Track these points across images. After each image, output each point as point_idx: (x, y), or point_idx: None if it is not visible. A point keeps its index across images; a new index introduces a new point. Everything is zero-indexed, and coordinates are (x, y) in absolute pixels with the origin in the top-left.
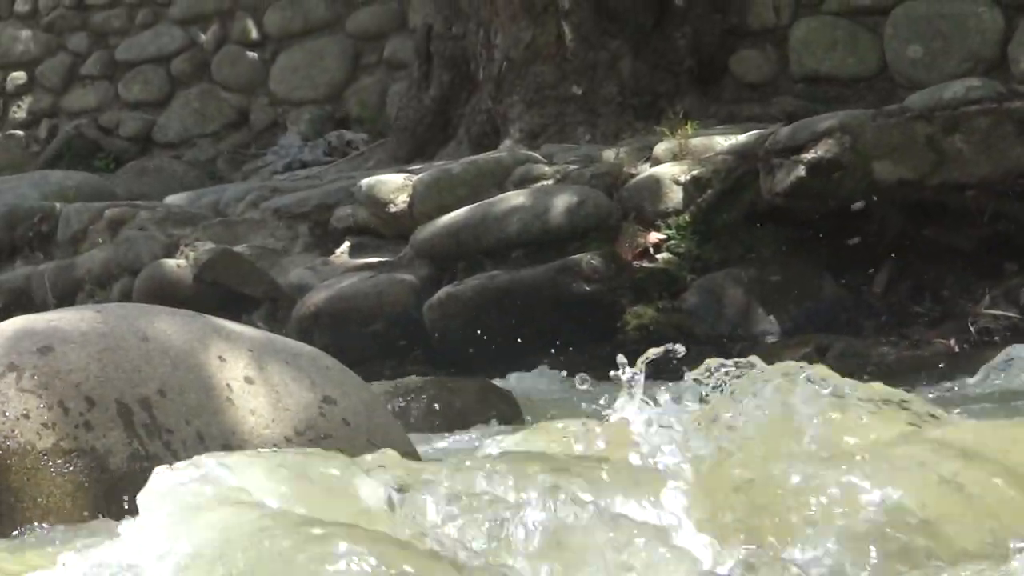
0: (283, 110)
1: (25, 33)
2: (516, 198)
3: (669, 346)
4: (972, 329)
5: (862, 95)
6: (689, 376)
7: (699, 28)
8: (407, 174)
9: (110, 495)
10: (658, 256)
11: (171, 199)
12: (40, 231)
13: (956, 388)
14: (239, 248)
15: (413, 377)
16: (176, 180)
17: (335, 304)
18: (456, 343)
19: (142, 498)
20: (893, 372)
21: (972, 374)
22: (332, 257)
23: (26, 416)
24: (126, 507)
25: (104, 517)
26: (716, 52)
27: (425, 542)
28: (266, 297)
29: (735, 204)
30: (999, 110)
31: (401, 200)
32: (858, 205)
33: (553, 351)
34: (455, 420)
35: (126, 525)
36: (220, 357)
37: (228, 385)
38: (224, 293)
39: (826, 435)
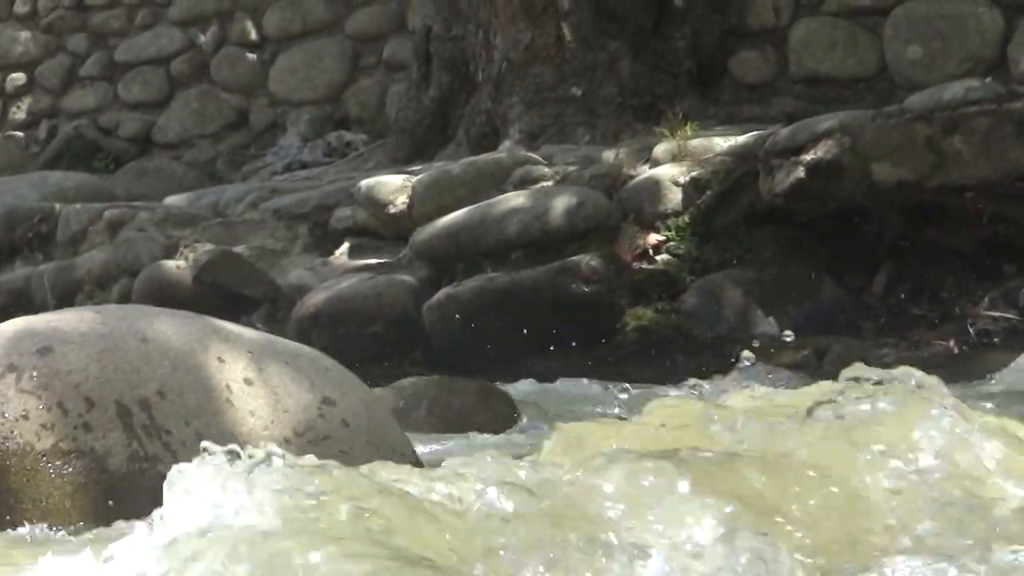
0: (282, 111)
1: (24, 34)
2: (515, 199)
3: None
4: (971, 331)
5: (861, 96)
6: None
7: (698, 29)
8: (406, 175)
9: (109, 496)
10: (657, 257)
11: (170, 200)
12: (39, 232)
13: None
14: (238, 249)
15: (412, 378)
16: (175, 181)
17: (334, 305)
18: (455, 344)
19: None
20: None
21: (978, 375)
22: (331, 258)
23: (25, 417)
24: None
25: (102, 518)
26: (715, 53)
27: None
28: (265, 298)
29: (734, 205)
30: (998, 111)
31: (400, 201)
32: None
33: (552, 351)
34: (454, 421)
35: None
36: (219, 358)
37: (227, 386)
38: (223, 294)
39: None
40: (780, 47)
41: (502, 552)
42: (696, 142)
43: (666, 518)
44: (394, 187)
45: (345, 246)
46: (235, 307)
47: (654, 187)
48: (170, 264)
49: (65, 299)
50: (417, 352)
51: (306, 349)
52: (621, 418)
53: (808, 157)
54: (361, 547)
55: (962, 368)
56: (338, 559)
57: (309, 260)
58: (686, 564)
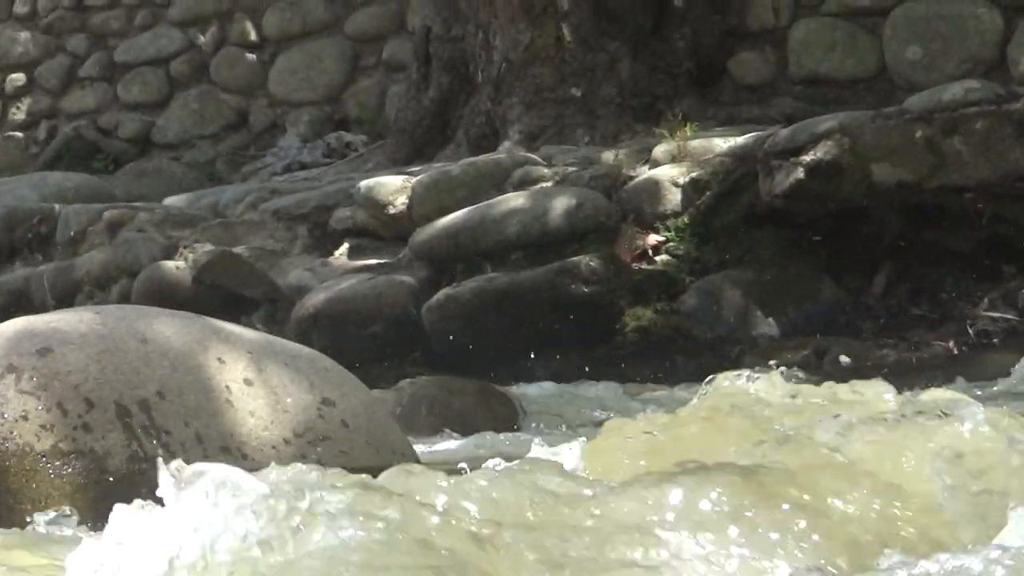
0: (282, 111)
1: (24, 35)
2: (515, 200)
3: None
4: (971, 331)
5: (861, 97)
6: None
7: (698, 30)
8: (406, 176)
9: (109, 497)
10: (657, 258)
11: (170, 201)
12: (39, 232)
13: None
14: (238, 250)
15: (412, 379)
16: (175, 181)
17: (334, 306)
18: (455, 345)
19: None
20: (892, 374)
21: (978, 376)
22: (331, 259)
23: (25, 418)
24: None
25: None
26: (715, 54)
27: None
28: (265, 299)
29: (734, 206)
30: (998, 112)
31: (400, 202)
32: None
33: (552, 352)
34: (454, 422)
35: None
36: (219, 359)
37: (227, 387)
38: (223, 295)
39: None
40: (780, 48)
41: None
42: (696, 143)
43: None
44: (394, 188)
45: (345, 247)
46: (234, 308)
47: (654, 188)
48: (170, 265)
49: (65, 300)
50: (417, 353)
51: (305, 350)
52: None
53: (808, 158)
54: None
55: (962, 369)
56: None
57: (309, 261)
58: None
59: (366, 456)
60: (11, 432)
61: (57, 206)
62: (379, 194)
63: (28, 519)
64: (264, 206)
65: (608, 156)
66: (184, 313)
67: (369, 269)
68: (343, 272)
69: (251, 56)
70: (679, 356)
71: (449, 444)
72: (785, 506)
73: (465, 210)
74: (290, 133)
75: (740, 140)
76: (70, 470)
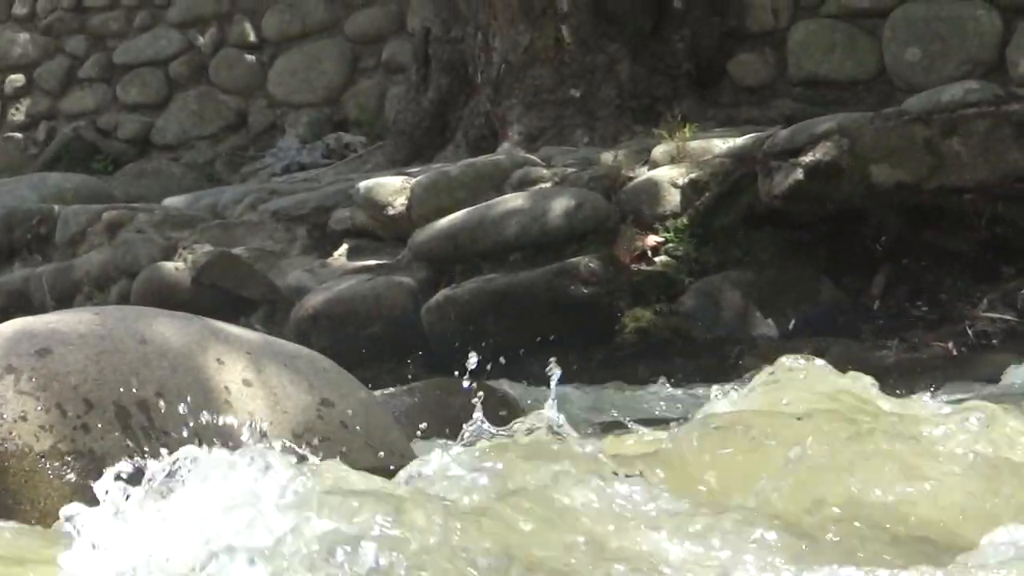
0: (281, 112)
1: (23, 36)
2: (514, 201)
3: None
4: (970, 332)
5: (860, 98)
6: None
7: (697, 31)
8: (405, 177)
9: None
10: (656, 259)
11: (169, 201)
12: (38, 233)
13: None
14: (237, 250)
15: (411, 380)
16: (174, 182)
17: (333, 306)
18: (454, 346)
19: None
20: (891, 375)
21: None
22: (330, 259)
23: (24, 418)
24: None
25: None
26: (714, 55)
27: None
28: (264, 299)
29: (733, 207)
30: (997, 113)
31: (399, 203)
32: None
33: (551, 353)
34: (454, 423)
35: None
36: (218, 359)
37: (226, 388)
38: (222, 295)
39: None
40: (779, 49)
41: None
42: (695, 144)
43: None
44: (393, 189)
45: (344, 247)
46: (234, 308)
47: (653, 189)
48: (169, 266)
49: (64, 300)
50: (416, 353)
51: (305, 350)
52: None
53: (807, 159)
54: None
55: (961, 370)
56: None
57: (308, 262)
58: None
59: (365, 457)
60: (10, 433)
61: (56, 207)
62: (378, 195)
63: (28, 520)
64: (263, 207)
65: (607, 157)
66: (183, 314)
67: (368, 270)
68: (342, 273)
69: (250, 57)
70: (678, 357)
71: (448, 445)
72: None
73: (464, 211)
74: (289, 134)
75: (739, 141)
76: (69, 471)
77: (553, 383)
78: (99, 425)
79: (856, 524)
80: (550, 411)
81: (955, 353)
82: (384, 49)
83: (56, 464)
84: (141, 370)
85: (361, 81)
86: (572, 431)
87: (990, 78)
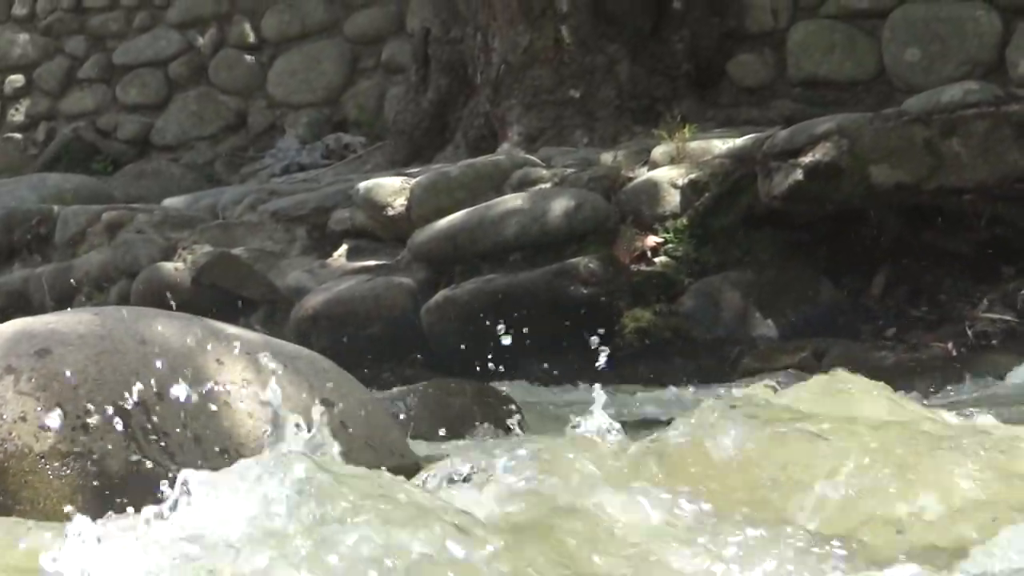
0: (281, 113)
1: (23, 36)
2: (514, 201)
3: None
4: (969, 333)
5: (860, 98)
6: None
7: (697, 32)
8: (405, 177)
9: (107, 498)
10: (655, 259)
11: (169, 202)
12: (38, 233)
13: None
14: (237, 251)
15: (410, 380)
16: (174, 183)
17: (333, 307)
18: (453, 346)
19: None
20: (890, 376)
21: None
22: (330, 260)
23: (23, 419)
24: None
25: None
26: (714, 56)
27: None
28: (264, 300)
29: (732, 207)
30: (997, 114)
31: (399, 203)
32: None
33: (550, 353)
34: (453, 423)
35: None
36: (218, 360)
37: (226, 388)
38: (222, 296)
39: None
40: (778, 50)
41: None
42: (694, 144)
43: None
44: (392, 189)
45: (343, 248)
46: (233, 309)
47: (652, 189)
48: (168, 266)
49: (63, 301)
50: (415, 354)
51: (304, 351)
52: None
53: (806, 159)
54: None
55: (960, 370)
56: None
57: (307, 262)
58: None
59: (365, 457)
60: (10, 433)
61: (56, 207)
62: (378, 195)
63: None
64: (263, 207)
65: (607, 157)
66: (183, 314)
67: (368, 270)
68: (342, 273)
69: (250, 58)
70: (678, 358)
71: (447, 446)
72: None
73: (464, 211)
74: (289, 135)
75: (739, 142)
76: (69, 471)
77: (598, 392)
78: (99, 426)
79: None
80: (598, 414)
81: (955, 353)
82: (383, 50)
83: (56, 464)
84: (141, 371)
85: (360, 82)
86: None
87: (989, 79)
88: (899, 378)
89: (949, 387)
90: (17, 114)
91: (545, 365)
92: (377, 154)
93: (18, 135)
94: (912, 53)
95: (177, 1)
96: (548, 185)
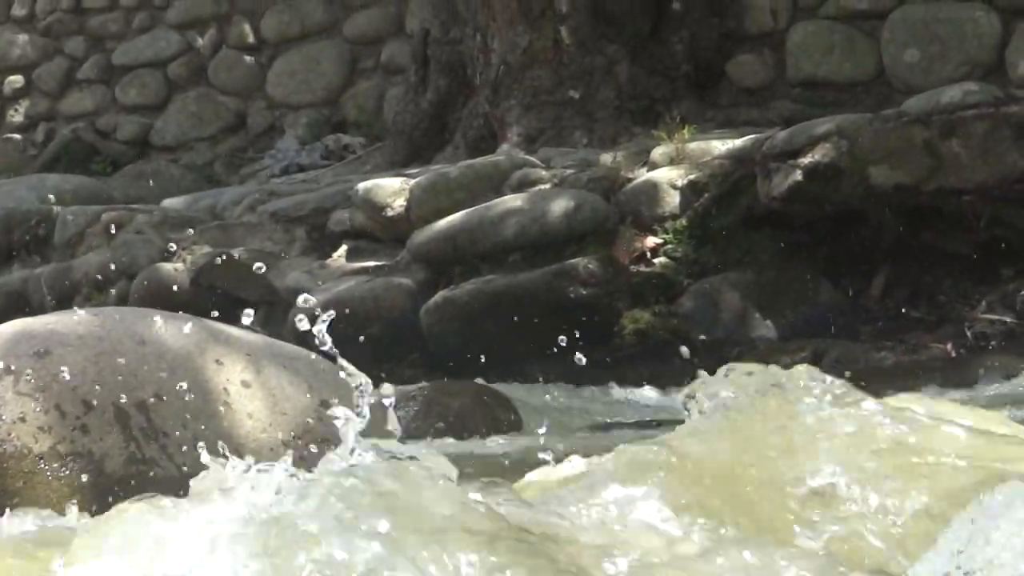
0: (280, 114)
1: (22, 37)
2: (513, 202)
3: None
4: (969, 334)
5: (859, 99)
6: None
7: (696, 33)
8: (404, 178)
9: (107, 499)
10: (655, 260)
11: (168, 203)
12: (37, 234)
13: None
14: (236, 252)
15: (409, 381)
16: (173, 184)
17: (332, 308)
18: (453, 347)
19: None
20: (890, 377)
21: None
22: (329, 261)
23: (23, 419)
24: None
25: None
26: (713, 57)
27: None
28: (263, 301)
29: (732, 208)
30: (996, 115)
31: (398, 204)
32: None
33: (549, 354)
34: (453, 424)
35: None
36: (217, 361)
37: (225, 389)
38: (221, 297)
39: None
40: (778, 51)
41: None
42: (694, 145)
43: None
44: (392, 190)
45: (343, 249)
46: (232, 310)
47: (652, 190)
48: (168, 267)
49: (63, 301)
50: (415, 355)
51: (304, 352)
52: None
53: (805, 160)
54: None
55: (959, 371)
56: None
57: (307, 263)
58: None
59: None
60: (9, 434)
61: (55, 208)
62: (377, 196)
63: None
64: (262, 208)
65: (606, 158)
66: (182, 315)
67: (367, 271)
68: (341, 274)
69: (249, 58)
70: (676, 358)
71: (447, 447)
72: None
73: (463, 212)
74: (288, 135)
75: (738, 142)
76: (68, 472)
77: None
78: (98, 426)
79: None
80: None
81: (954, 355)
82: (383, 50)
83: (55, 465)
84: (140, 371)
85: (360, 82)
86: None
87: (989, 80)
88: (898, 379)
89: (947, 387)
90: (16, 115)
91: (544, 366)
92: (376, 155)
93: (17, 136)
94: (911, 54)
95: (176, 2)
96: (547, 186)
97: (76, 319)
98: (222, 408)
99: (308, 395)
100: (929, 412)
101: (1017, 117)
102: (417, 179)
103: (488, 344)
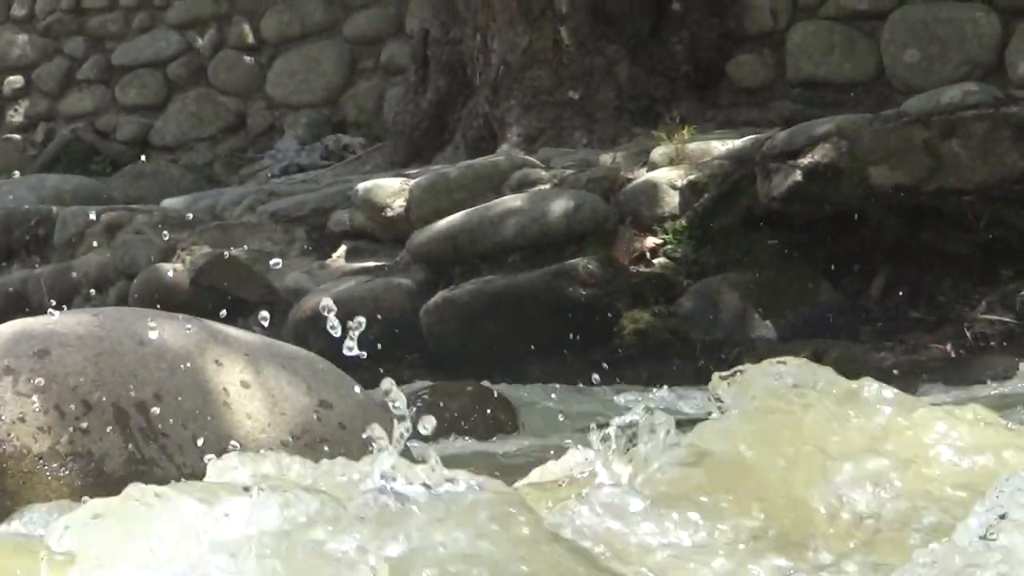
0: (280, 114)
1: (22, 37)
2: (513, 202)
3: None
4: (968, 334)
5: (859, 100)
6: None
7: (696, 33)
8: (404, 178)
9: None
10: (655, 260)
11: (168, 203)
12: (37, 235)
13: None
14: (236, 252)
15: (409, 382)
16: (173, 184)
17: (331, 309)
18: (452, 347)
19: None
20: (889, 377)
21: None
22: (329, 261)
23: (22, 419)
24: None
25: None
26: (713, 57)
27: None
28: (262, 301)
29: (732, 209)
30: (996, 115)
31: (398, 204)
32: None
33: (549, 354)
34: (452, 425)
35: None
36: (217, 361)
37: (224, 389)
38: (220, 297)
39: None
40: (778, 51)
41: None
42: (693, 145)
43: None
44: (391, 190)
45: (342, 249)
46: (232, 310)
47: (651, 190)
48: (167, 267)
49: (62, 302)
50: (414, 355)
51: (303, 352)
52: None
53: (805, 161)
54: None
55: (959, 372)
56: None
57: (306, 263)
58: None
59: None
60: (8, 434)
61: (55, 208)
62: (377, 196)
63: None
64: (262, 208)
65: (606, 158)
66: (182, 315)
67: (367, 271)
68: (341, 274)
69: (249, 59)
70: (676, 359)
71: (447, 447)
72: None
73: (463, 212)
74: (288, 135)
75: (738, 143)
76: (68, 472)
77: None
78: (98, 426)
79: None
80: None
81: (953, 355)
82: (383, 51)
83: (55, 465)
84: (139, 371)
85: (360, 83)
86: None
87: (989, 80)
88: (898, 379)
89: (947, 388)
90: (16, 115)
91: (544, 366)
92: (376, 155)
93: (17, 136)
94: (911, 54)
95: (176, 2)
96: (547, 186)
97: (76, 319)
98: (221, 408)
99: (307, 395)
100: (983, 417)
101: (1017, 118)
102: (417, 179)
103: (488, 344)
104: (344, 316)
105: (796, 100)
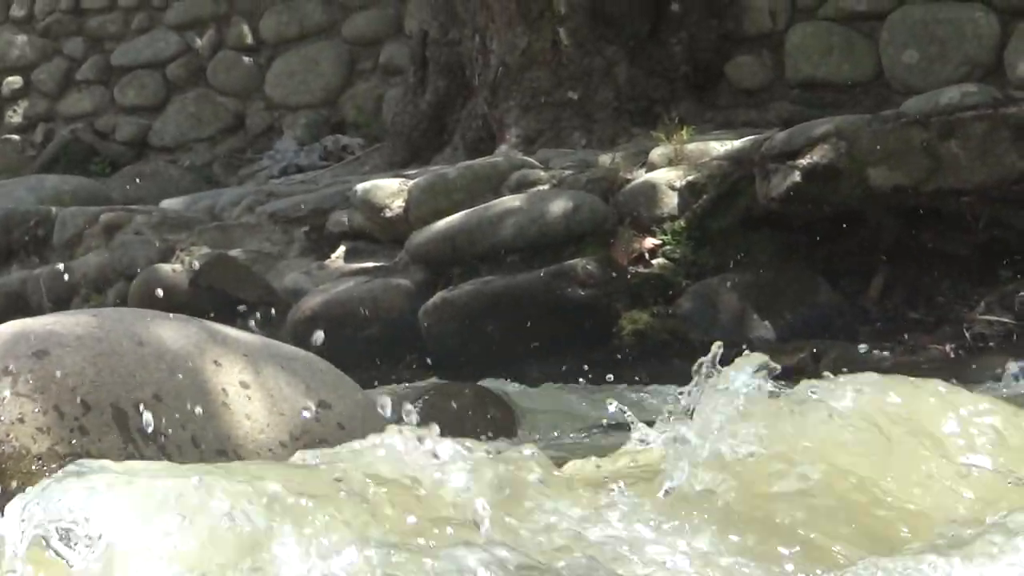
0: (279, 115)
1: (21, 38)
2: (512, 203)
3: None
4: (967, 335)
5: (858, 100)
6: None
7: (695, 34)
8: (403, 179)
9: None
10: (653, 261)
11: (167, 203)
12: (36, 235)
13: None
14: (234, 253)
15: (408, 382)
16: (172, 184)
17: (330, 309)
18: (451, 348)
19: None
20: None
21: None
22: (328, 262)
23: (21, 420)
24: None
25: None
26: (712, 58)
27: None
28: (261, 302)
29: (730, 209)
30: (995, 116)
31: (397, 205)
32: None
33: (548, 355)
34: (451, 425)
35: None
36: (216, 362)
37: (223, 390)
38: (219, 298)
39: None
40: (776, 52)
41: None
42: (692, 146)
43: None
44: (390, 191)
45: (341, 250)
46: (231, 311)
47: (650, 191)
48: (166, 268)
49: (61, 302)
50: (413, 356)
51: (302, 352)
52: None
53: (804, 161)
54: None
55: (958, 372)
56: None
57: (305, 264)
58: None
59: None
60: (7, 435)
61: (54, 209)
62: (376, 197)
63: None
64: (261, 209)
65: (605, 159)
66: (181, 316)
67: (366, 272)
68: (340, 275)
69: (248, 59)
70: (675, 359)
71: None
72: None
73: (462, 213)
74: (287, 136)
75: (737, 143)
76: None
77: None
78: (97, 427)
79: None
80: None
81: (952, 356)
82: (382, 51)
83: (54, 466)
84: (138, 372)
85: (359, 83)
86: None
87: (988, 81)
88: None
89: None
90: (15, 115)
91: (542, 366)
92: (375, 156)
93: (16, 136)
94: (910, 55)
95: (175, 3)
96: (546, 187)
97: (75, 320)
98: (220, 409)
99: (306, 396)
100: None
101: (1016, 118)
102: (416, 180)
103: (487, 345)
104: (343, 316)
105: (795, 101)
